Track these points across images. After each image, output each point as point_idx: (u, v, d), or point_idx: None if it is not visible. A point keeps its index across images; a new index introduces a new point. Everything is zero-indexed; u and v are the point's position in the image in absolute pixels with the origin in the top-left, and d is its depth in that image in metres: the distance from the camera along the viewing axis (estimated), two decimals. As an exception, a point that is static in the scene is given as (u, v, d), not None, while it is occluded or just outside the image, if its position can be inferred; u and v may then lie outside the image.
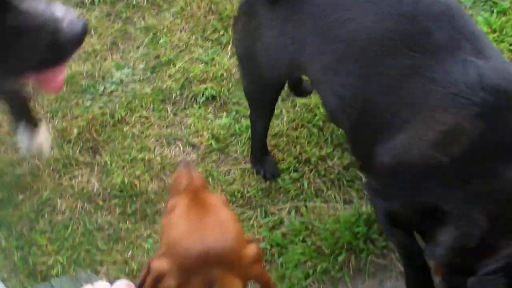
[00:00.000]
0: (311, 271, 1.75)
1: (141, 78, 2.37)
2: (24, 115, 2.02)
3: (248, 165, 2.02)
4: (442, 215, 1.22)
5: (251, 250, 1.06)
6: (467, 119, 1.15)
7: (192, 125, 2.17)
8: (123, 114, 2.25)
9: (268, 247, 1.85)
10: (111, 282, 0.74)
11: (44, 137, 2.10)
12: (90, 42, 2.43)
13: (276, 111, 2.11)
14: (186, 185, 1.16)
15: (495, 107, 1.15)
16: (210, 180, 2.02)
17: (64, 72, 1.29)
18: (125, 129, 2.21)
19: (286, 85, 1.93)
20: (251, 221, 1.91)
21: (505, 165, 1.15)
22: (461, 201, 1.19)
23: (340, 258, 1.75)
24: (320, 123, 2.05)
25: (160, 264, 1.03)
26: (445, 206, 1.22)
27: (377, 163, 1.29)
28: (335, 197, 1.93)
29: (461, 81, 1.15)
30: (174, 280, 1.01)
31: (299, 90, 2.05)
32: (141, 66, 2.41)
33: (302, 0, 1.31)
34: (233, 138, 2.11)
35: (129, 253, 1.93)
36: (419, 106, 1.20)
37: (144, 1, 2.53)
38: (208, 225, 1.06)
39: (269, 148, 2.02)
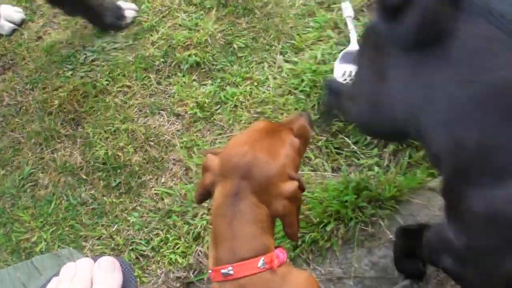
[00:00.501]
0: (299, 242, 1.71)
1: (123, 45, 2.30)
2: None
3: (235, 133, 1.97)
4: None
5: (289, 186, 1.10)
6: None
7: (176, 94, 2.11)
8: (105, 83, 2.18)
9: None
10: (95, 259, 0.71)
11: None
12: (69, 10, 2.34)
13: (262, 78, 2.05)
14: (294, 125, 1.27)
15: None
16: (195, 150, 1.97)
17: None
18: (107, 100, 2.15)
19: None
20: (238, 192, 1.86)
21: None
22: None
23: (328, 228, 1.71)
24: (308, 89, 1.99)
25: (210, 158, 1.15)
26: None
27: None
28: (323, 165, 1.88)
29: None
30: (210, 176, 1.14)
31: None
32: (123, 33, 2.33)
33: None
34: (218, 106, 2.05)
35: (114, 228, 1.89)
36: None
37: (123, -35, 2.43)
38: (261, 146, 1.12)
39: (255, 116, 1.96)
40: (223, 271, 1.08)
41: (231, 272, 1.07)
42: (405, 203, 1.73)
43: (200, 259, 1.79)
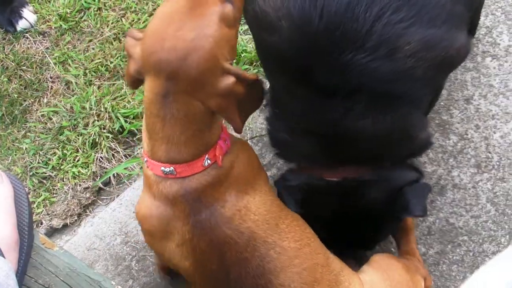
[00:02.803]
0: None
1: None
2: None
3: (105, 36, 1.91)
4: None
5: (222, 82, 0.99)
6: None
7: (36, 12, 2.01)
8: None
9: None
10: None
11: None
12: None
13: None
14: None
15: None
16: (70, 62, 1.91)
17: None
18: (-34, 37, 2.03)
19: None
20: (123, 90, 1.84)
21: None
22: None
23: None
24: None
25: (130, 43, 1.02)
26: None
27: None
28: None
29: None
30: (134, 65, 1.01)
31: None
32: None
33: None
34: (82, 13, 1.98)
35: (9, 159, 1.84)
36: None
37: None
38: (183, 32, 0.96)
39: (121, 13, 1.91)
40: (164, 169, 1.05)
41: (174, 172, 1.05)
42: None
43: (101, 165, 1.78)
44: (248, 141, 1.69)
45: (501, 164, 1.65)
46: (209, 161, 1.05)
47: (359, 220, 1.32)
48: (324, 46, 1.03)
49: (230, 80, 0.99)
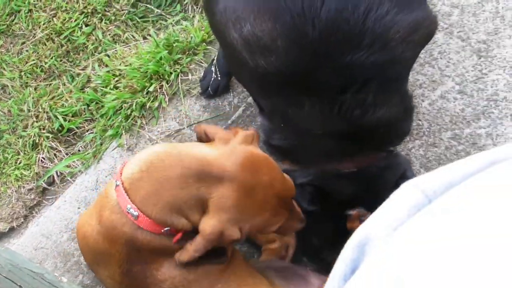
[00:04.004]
0: (129, 112, 1.73)
1: None
2: None
3: (38, 37, 1.91)
4: None
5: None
6: None
7: (-34, 19, 2.00)
8: None
9: (85, 107, 1.80)
10: None
11: None
12: None
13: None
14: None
15: None
16: (5, 66, 1.90)
17: None
18: None
19: None
20: (60, 90, 1.84)
21: None
22: None
23: (151, 88, 1.74)
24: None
25: None
26: None
27: None
28: (133, 36, 1.88)
29: None
30: None
31: None
32: None
33: None
34: (13, 16, 1.97)
35: (-50, 168, 1.83)
36: None
37: None
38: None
39: (51, 13, 1.91)
40: (129, 208, 1.07)
41: (136, 217, 1.06)
42: (215, 43, 1.79)
43: (44, 165, 1.78)
44: (186, 128, 1.71)
45: (431, 130, 1.72)
46: (168, 231, 1.08)
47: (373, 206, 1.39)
48: (324, 53, 1.09)
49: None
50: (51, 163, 1.78)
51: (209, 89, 1.71)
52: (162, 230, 1.07)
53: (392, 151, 1.35)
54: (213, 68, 1.67)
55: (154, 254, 1.12)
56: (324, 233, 1.33)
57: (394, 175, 1.36)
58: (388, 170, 1.34)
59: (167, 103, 1.75)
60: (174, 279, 1.14)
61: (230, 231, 1.02)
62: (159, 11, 1.91)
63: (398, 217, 0.62)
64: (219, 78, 1.68)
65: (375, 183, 1.35)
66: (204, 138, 1.15)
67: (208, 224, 1.01)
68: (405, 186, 0.66)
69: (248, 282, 1.24)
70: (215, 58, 1.67)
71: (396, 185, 1.30)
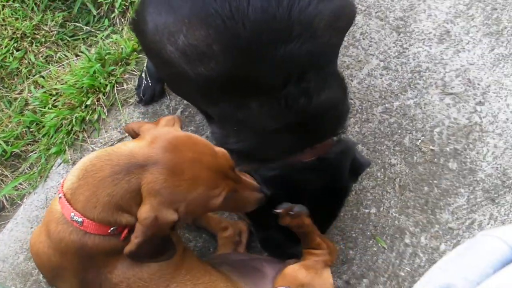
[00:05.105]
0: (70, 127, 1.76)
1: None
2: None
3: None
4: None
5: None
6: None
7: None
8: None
9: (26, 129, 1.82)
10: None
11: None
12: None
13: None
14: None
15: None
16: None
17: None
18: None
19: None
20: (-2, 116, 1.85)
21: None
22: None
23: (89, 102, 1.77)
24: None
25: None
26: None
27: None
28: (65, 56, 1.91)
29: None
30: None
31: None
32: None
33: None
34: None
35: None
36: None
37: None
38: None
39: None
40: (73, 216, 1.10)
41: (81, 223, 1.10)
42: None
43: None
44: (128, 136, 1.75)
45: (363, 107, 1.80)
46: (115, 230, 1.11)
47: (335, 194, 1.45)
48: (258, 49, 1.14)
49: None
50: (-2, 189, 1.79)
51: (145, 96, 1.75)
52: (109, 231, 1.11)
53: (341, 134, 1.41)
54: (143, 75, 1.72)
55: (106, 257, 1.15)
56: (284, 227, 1.37)
57: (348, 158, 1.43)
58: (343, 154, 1.40)
59: (106, 114, 1.78)
60: (129, 280, 1.17)
61: (164, 214, 1.06)
62: (88, 28, 1.94)
63: (483, 273, 0.62)
64: (150, 84, 1.73)
65: (337, 170, 1.40)
66: (133, 135, 1.19)
67: (142, 211, 1.05)
68: (485, 237, 0.65)
69: (204, 280, 1.28)
70: (145, 66, 1.72)
71: (350, 170, 1.39)
